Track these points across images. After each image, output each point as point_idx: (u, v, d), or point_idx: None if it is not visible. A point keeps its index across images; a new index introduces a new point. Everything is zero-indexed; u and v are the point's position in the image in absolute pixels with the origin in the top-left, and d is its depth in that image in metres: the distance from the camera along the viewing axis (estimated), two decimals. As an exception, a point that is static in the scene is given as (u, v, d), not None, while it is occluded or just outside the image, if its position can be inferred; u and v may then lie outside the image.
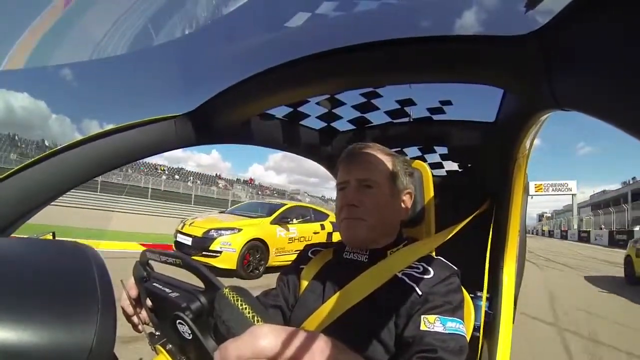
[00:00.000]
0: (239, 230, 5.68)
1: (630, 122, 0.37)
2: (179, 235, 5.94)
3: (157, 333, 0.56)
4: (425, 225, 0.93)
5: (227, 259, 5.34)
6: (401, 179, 0.80)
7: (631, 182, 35.95)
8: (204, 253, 5.31)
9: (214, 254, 5.32)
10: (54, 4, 0.73)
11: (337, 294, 0.72)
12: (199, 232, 5.64)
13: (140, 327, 0.61)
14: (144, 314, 0.61)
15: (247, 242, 5.61)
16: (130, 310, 0.60)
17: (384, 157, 0.80)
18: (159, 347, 0.53)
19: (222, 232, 5.59)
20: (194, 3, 0.74)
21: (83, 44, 0.79)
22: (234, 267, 5.34)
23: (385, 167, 0.79)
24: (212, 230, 5.60)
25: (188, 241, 5.63)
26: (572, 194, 43.41)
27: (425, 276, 0.69)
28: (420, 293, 0.66)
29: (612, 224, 23.18)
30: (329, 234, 6.79)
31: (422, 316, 0.63)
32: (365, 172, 0.77)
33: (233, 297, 0.37)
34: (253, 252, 5.71)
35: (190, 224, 5.99)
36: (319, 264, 0.83)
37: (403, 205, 0.82)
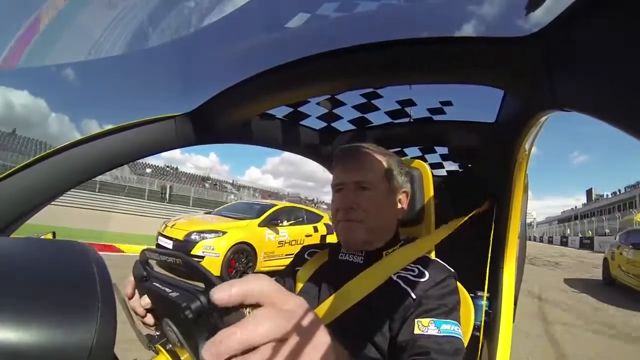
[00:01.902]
0: (224, 233, 5.29)
1: (630, 123, 0.37)
2: (160, 237, 5.54)
3: (156, 333, 0.56)
4: (425, 225, 0.94)
5: (210, 265, 4.85)
6: (396, 178, 0.79)
7: (575, 208, 57.03)
8: (184, 258, 5.06)
9: (196, 259, 5.03)
10: (50, 2, 0.73)
11: (333, 296, 0.71)
12: (180, 235, 5.24)
13: (139, 326, 0.61)
14: (143, 313, 0.61)
15: (233, 246, 5.23)
16: (130, 309, 0.60)
17: (379, 157, 0.79)
18: (159, 346, 0.52)
19: (205, 235, 5.20)
20: (195, 3, 0.74)
21: (82, 44, 0.79)
22: (218, 274, 4.90)
23: (380, 167, 0.78)
24: (194, 234, 5.20)
25: (169, 244, 5.23)
26: (534, 218, 63.40)
27: (420, 279, 0.68)
28: (414, 297, 0.65)
29: (566, 232, 37.85)
30: (322, 237, 6.32)
31: (416, 320, 0.62)
32: (361, 174, 0.76)
33: None
34: (239, 257, 5.33)
35: (172, 225, 5.59)
36: (314, 265, 0.83)
37: (399, 204, 0.80)
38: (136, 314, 0.59)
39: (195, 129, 0.90)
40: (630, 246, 6.48)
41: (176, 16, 0.74)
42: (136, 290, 0.58)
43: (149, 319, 0.59)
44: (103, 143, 0.80)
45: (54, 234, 0.89)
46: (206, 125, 0.92)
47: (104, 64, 0.83)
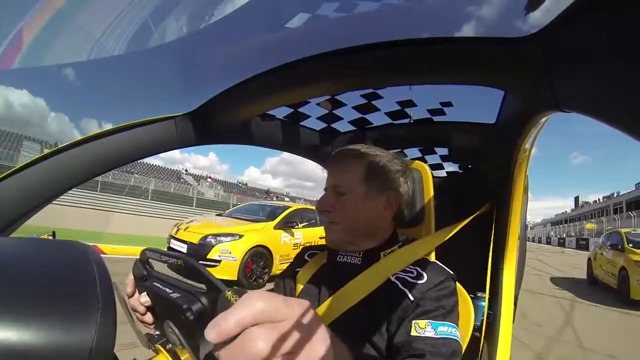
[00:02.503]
0: (240, 236, 5.20)
1: (630, 124, 0.37)
2: (172, 241, 5.49)
3: (156, 332, 0.55)
4: (425, 225, 0.93)
5: (228, 269, 4.85)
6: (379, 180, 0.77)
7: (565, 213, 63.20)
8: (200, 262, 4.95)
9: (213, 263, 4.84)
10: (48, 2, 0.72)
11: (332, 297, 0.71)
12: (195, 239, 5.16)
13: (139, 326, 0.61)
14: (143, 311, 0.61)
15: (250, 249, 5.11)
16: (130, 309, 0.60)
17: (359, 160, 0.78)
18: (158, 346, 0.52)
19: (221, 238, 5.11)
20: (195, 3, 0.74)
21: (83, 44, 0.79)
22: (235, 278, 4.87)
23: (357, 171, 0.77)
24: (210, 237, 5.12)
25: (183, 248, 5.16)
26: (528, 220, 71.60)
27: (419, 281, 0.68)
28: (412, 299, 0.65)
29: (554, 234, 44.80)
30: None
31: (413, 321, 0.62)
32: (337, 179, 0.77)
33: (236, 300, 0.37)
34: (256, 260, 5.23)
35: (186, 228, 5.51)
36: (314, 267, 0.83)
37: (387, 204, 0.78)
38: (136, 312, 0.59)
39: (195, 129, 0.90)
40: (609, 247, 6.85)
41: (176, 16, 0.74)
42: (136, 289, 0.58)
43: (149, 317, 0.59)
44: (103, 143, 0.80)
45: (54, 233, 0.89)
46: (206, 126, 0.92)
47: (105, 64, 0.83)
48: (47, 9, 0.71)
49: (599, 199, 47.58)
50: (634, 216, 24.60)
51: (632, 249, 6.06)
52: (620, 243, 6.49)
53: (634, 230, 7.29)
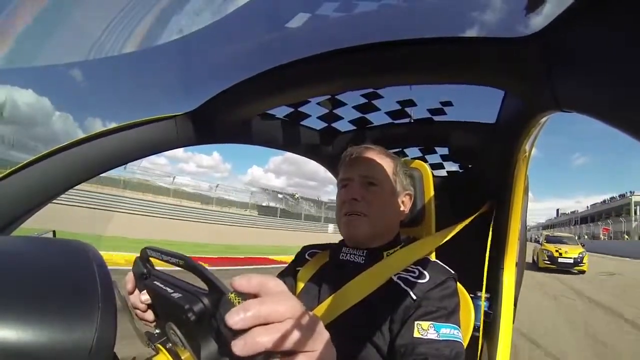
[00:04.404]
0: None
1: (630, 123, 0.37)
2: None
3: (156, 331, 0.55)
4: (425, 225, 0.93)
5: None
6: (401, 180, 0.81)
7: (552, 219, 76.15)
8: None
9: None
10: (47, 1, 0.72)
11: (333, 296, 0.71)
12: None
13: (139, 325, 0.60)
14: (144, 308, 0.60)
15: None
16: (130, 307, 0.60)
17: (386, 158, 0.81)
18: (159, 345, 0.52)
19: None
20: (195, 3, 0.74)
21: (83, 43, 0.79)
22: None
23: (387, 167, 0.79)
24: None
25: None
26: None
27: (420, 280, 0.68)
28: (414, 298, 0.65)
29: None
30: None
31: (416, 322, 0.62)
32: (368, 170, 0.78)
33: (239, 302, 0.37)
34: None
35: None
36: (315, 265, 0.83)
37: (402, 206, 0.82)
38: (137, 309, 0.59)
39: (195, 128, 0.90)
40: (536, 243, 13.22)
41: (177, 16, 0.74)
42: (136, 287, 0.58)
43: (150, 315, 0.59)
44: (103, 143, 0.80)
45: (54, 232, 0.89)
46: (207, 125, 0.92)
47: (105, 63, 0.83)
48: (47, 8, 0.71)
49: (569, 212, 67.99)
50: (583, 226, 40.41)
51: (545, 243, 12.15)
52: (541, 240, 12.63)
53: (552, 234, 14.02)
